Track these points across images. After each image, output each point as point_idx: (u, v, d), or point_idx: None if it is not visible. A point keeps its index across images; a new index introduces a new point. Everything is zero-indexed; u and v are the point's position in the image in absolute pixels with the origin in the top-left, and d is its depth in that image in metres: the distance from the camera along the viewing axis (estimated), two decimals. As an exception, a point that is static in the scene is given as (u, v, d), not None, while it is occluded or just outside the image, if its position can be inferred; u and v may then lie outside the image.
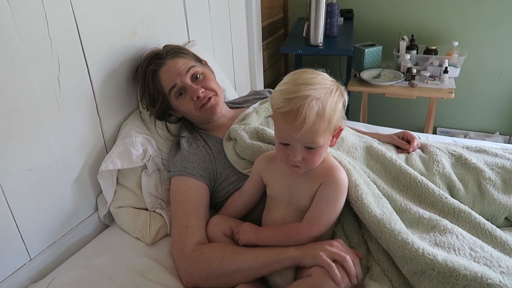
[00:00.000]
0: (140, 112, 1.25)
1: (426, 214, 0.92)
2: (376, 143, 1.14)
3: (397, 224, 0.85)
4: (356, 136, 1.19)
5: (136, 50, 1.21)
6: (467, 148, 1.19)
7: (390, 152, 1.10)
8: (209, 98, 1.16)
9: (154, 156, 1.16)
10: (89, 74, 1.07)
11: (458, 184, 1.04)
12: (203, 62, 1.26)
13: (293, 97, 0.77)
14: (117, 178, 1.16)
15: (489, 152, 1.15)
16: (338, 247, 0.84)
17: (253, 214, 1.06)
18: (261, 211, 1.02)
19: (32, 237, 1.00)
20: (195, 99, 1.14)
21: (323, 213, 0.88)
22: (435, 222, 0.89)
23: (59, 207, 1.06)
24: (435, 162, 1.09)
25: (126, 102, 1.23)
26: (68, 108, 1.02)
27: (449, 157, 1.12)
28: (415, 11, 2.45)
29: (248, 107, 1.29)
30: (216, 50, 1.65)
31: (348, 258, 0.81)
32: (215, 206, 1.10)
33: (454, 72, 2.22)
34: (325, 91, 0.80)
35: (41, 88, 0.94)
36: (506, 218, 1.00)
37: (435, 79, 2.21)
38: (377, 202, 0.90)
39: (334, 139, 0.87)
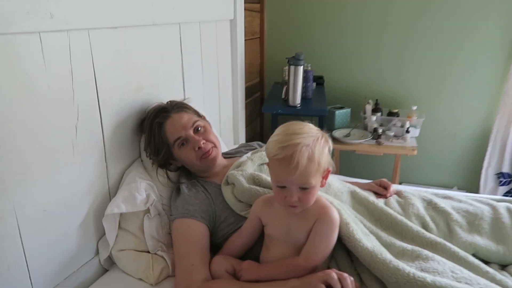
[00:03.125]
0: (142, 160, 1.34)
1: (409, 247, 1.04)
2: (358, 189, 1.29)
3: (387, 255, 0.97)
4: (340, 183, 1.33)
5: (141, 104, 1.34)
6: (436, 194, 1.35)
7: (371, 197, 1.25)
8: (210, 151, 1.27)
9: (156, 201, 1.24)
10: (101, 124, 1.17)
11: (431, 224, 1.18)
12: (202, 116, 1.39)
13: (286, 145, 0.89)
14: (119, 223, 1.21)
15: (454, 198, 1.32)
16: (333, 273, 0.93)
17: (251, 253, 1.13)
18: (259, 251, 1.11)
19: (38, 278, 1.02)
20: (197, 149, 1.26)
21: (318, 247, 0.98)
22: (418, 252, 1.01)
23: (64, 249, 1.09)
24: (410, 205, 1.24)
25: (130, 151, 1.32)
26: (82, 154, 1.10)
27: (421, 202, 1.28)
28: (379, 78, 2.77)
29: (240, 157, 1.42)
30: (206, 107, 1.80)
31: (345, 275, 0.91)
32: (214, 247, 1.17)
33: (414, 132, 2.48)
34: (312, 138, 0.93)
35: (60, 134, 1.03)
36: (473, 255, 1.14)
37: (398, 138, 2.46)
38: (366, 238, 1.02)
39: (324, 180, 1.00)
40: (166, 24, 1.44)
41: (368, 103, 2.58)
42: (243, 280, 1.01)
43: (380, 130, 2.44)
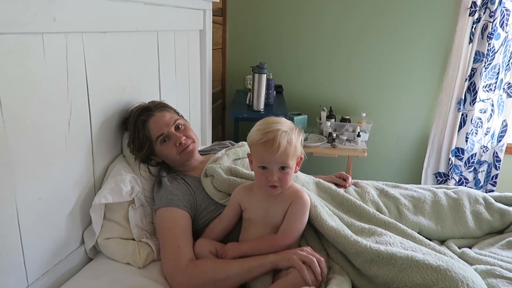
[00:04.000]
0: (125, 156, 1.43)
1: (366, 226, 1.23)
2: (322, 180, 1.47)
3: (348, 231, 1.15)
4: (306, 175, 1.50)
5: (124, 104, 1.43)
6: (386, 184, 1.57)
7: (334, 186, 1.43)
8: (189, 145, 1.40)
9: (140, 192, 1.33)
10: (90, 121, 1.25)
11: (384, 208, 1.39)
12: (181, 116, 1.51)
13: (268, 131, 1.06)
14: (104, 214, 1.30)
15: (401, 187, 1.55)
16: (307, 251, 1.10)
17: (231, 237, 1.27)
18: (237, 235, 1.24)
19: (32, 264, 1.08)
20: (178, 145, 1.37)
21: (294, 225, 1.14)
22: (373, 230, 1.20)
23: (55, 236, 1.16)
24: (366, 193, 1.43)
25: (113, 147, 1.41)
26: (73, 148, 1.18)
27: (375, 190, 1.48)
28: (332, 88, 3.02)
29: (215, 153, 1.55)
30: (178, 109, 1.91)
31: (315, 260, 1.07)
32: (195, 233, 1.29)
33: (364, 136, 2.74)
34: (289, 127, 1.11)
35: (56, 128, 1.10)
36: (418, 232, 1.36)
37: (350, 142, 2.70)
38: (331, 218, 1.20)
39: (297, 167, 1.17)
40: (147, 31, 1.55)
41: (323, 110, 2.82)
42: (227, 258, 1.14)
43: (334, 135, 2.67)
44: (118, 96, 1.40)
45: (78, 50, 1.16)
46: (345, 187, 1.51)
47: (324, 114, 2.80)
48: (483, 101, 2.68)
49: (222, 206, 1.29)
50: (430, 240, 1.29)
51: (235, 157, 1.50)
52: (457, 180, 2.82)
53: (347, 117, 2.82)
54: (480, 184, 2.82)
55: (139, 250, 1.24)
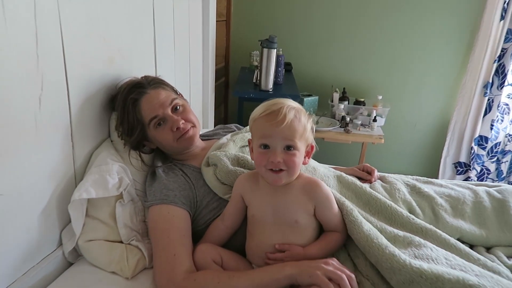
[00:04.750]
0: (112, 141, 1.21)
1: (400, 233, 1.02)
2: (344, 174, 1.25)
3: (383, 239, 0.94)
4: (324, 167, 1.29)
5: (112, 78, 1.20)
6: (417, 180, 1.35)
7: (359, 181, 1.21)
8: (189, 130, 1.18)
9: (129, 185, 1.12)
10: (68, 97, 1.03)
11: (418, 210, 1.17)
12: (180, 94, 1.28)
13: (274, 103, 0.91)
14: (86, 210, 1.08)
15: (435, 183, 1.33)
16: (333, 265, 0.89)
17: (236, 240, 1.06)
18: (243, 238, 1.04)
19: (-7, 274, 0.87)
20: (175, 129, 1.15)
21: (336, 215, 0.98)
22: (410, 239, 0.99)
23: (23, 240, 0.95)
24: (396, 190, 1.22)
25: (98, 130, 1.18)
26: (46, 131, 0.96)
27: (405, 187, 1.27)
28: (346, 68, 2.78)
29: (218, 139, 1.33)
30: (177, 86, 1.68)
31: (344, 276, 0.86)
32: (195, 234, 1.08)
33: (380, 121, 2.52)
34: (299, 106, 0.94)
35: (22, 106, 0.88)
36: (457, 239, 1.15)
37: (365, 127, 2.48)
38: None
39: (307, 157, 0.96)
40: (140, -9, 1.30)
41: (335, 91, 2.58)
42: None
43: (347, 119, 2.45)
44: (104, 69, 1.17)
45: (50, 8, 0.92)
46: (370, 182, 1.29)
47: (336, 96, 2.57)
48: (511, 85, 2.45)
49: (226, 202, 1.08)
50: (472, 247, 1.09)
51: (243, 143, 1.28)
52: (478, 171, 2.61)
53: (362, 99, 2.60)
54: (503, 176, 2.62)
55: (127, 256, 1.03)
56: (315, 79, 2.84)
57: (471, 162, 2.57)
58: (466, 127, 2.55)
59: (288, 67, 2.69)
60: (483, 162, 2.61)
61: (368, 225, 0.98)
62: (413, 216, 1.08)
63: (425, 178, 1.37)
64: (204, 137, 1.40)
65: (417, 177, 1.38)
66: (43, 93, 0.93)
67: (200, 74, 1.96)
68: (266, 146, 0.90)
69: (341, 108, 2.53)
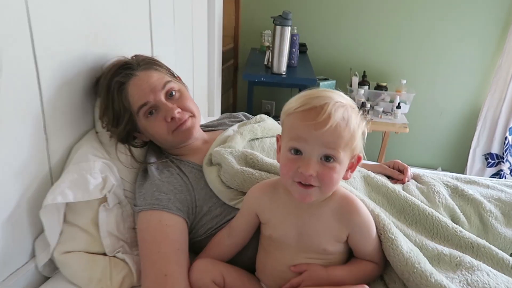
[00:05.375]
0: (97, 133, 1.03)
1: (445, 250, 0.82)
2: (372, 173, 1.05)
3: (427, 264, 0.75)
4: (348, 165, 1.08)
5: (95, 58, 1.01)
6: (457, 179, 1.14)
7: (390, 183, 1.01)
8: (186, 121, 0.99)
9: (115, 186, 0.94)
10: (38, 81, 0.84)
11: (462, 217, 0.97)
12: (177, 78, 1.09)
13: (317, 96, 0.68)
14: (64, 215, 0.91)
15: (480, 183, 1.12)
16: None
17: (245, 255, 0.88)
18: (252, 251, 0.85)
19: None
20: (169, 120, 0.96)
21: (377, 246, 0.79)
22: (459, 259, 0.80)
23: (-16, 254, 0.78)
24: (435, 193, 1.01)
25: (80, 120, 1.00)
26: (9, 121, 0.78)
27: (445, 188, 1.06)
28: (366, 49, 2.54)
29: (224, 130, 1.13)
30: (177, 70, 1.49)
31: None
32: (193, 245, 0.91)
33: (404, 108, 2.29)
34: (350, 103, 0.71)
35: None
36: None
37: (387, 114, 2.26)
38: (401, 237, 0.79)
39: (350, 171, 0.75)
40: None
41: (354, 75, 2.36)
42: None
43: (368, 105, 2.23)
44: (86, 47, 0.98)
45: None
46: (403, 182, 1.09)
47: (356, 80, 2.34)
48: (554, 68, 2.19)
49: (232, 209, 0.90)
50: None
51: (252, 136, 1.08)
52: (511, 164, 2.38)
53: (384, 84, 2.37)
54: (538, 169, 2.38)
55: (111, 272, 0.86)
56: (332, 62, 2.60)
57: (505, 154, 2.33)
58: (500, 114, 2.31)
59: (303, 48, 2.47)
60: (518, 153, 2.37)
61: (408, 245, 0.78)
62: (460, 228, 0.88)
63: (467, 176, 1.16)
64: (208, 127, 1.21)
65: (457, 175, 1.17)
66: (2, 75, 0.74)
67: (205, 56, 1.75)
68: (297, 152, 0.69)
69: (361, 93, 2.30)
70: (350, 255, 0.81)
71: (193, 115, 1.01)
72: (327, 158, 0.68)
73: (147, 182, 0.94)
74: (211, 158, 0.97)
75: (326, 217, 0.75)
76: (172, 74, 1.06)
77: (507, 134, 2.30)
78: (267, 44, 2.39)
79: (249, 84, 2.07)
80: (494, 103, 2.34)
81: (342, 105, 0.67)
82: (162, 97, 0.96)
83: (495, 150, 2.38)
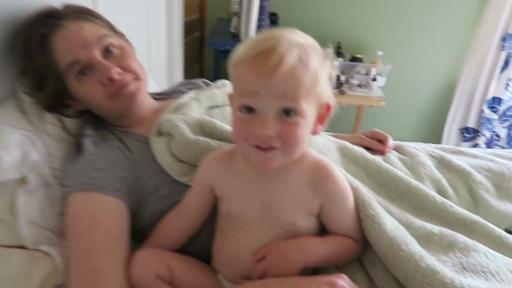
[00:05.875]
0: (21, 100, 0.84)
1: (435, 228, 0.70)
2: (349, 144, 0.91)
3: (415, 246, 0.62)
4: (322, 136, 0.95)
5: (14, 7, 0.82)
6: (442, 149, 1.03)
7: (369, 154, 0.88)
8: (127, 83, 0.82)
9: (39, 164, 0.76)
10: None
11: (450, 191, 0.86)
12: (120, 33, 0.91)
13: (266, 38, 0.55)
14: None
15: (467, 153, 1.01)
16: (341, 285, 0.58)
17: (198, 242, 0.74)
18: (209, 238, 0.71)
19: None
20: (107, 82, 0.79)
21: (352, 218, 0.66)
22: (451, 238, 0.68)
23: None
24: (420, 164, 0.89)
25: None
26: None
27: (430, 159, 0.94)
28: (340, 19, 2.41)
29: (179, 98, 0.97)
30: (130, 35, 1.30)
31: None
32: (138, 233, 0.75)
33: (381, 81, 2.18)
34: (309, 43, 0.58)
35: None
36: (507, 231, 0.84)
37: (363, 88, 2.14)
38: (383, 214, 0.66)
39: (320, 124, 0.62)
40: None
41: (328, 46, 2.22)
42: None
43: (343, 78, 2.11)
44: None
45: None
46: (383, 153, 0.97)
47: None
48: (533, 37, 2.11)
49: (184, 187, 0.75)
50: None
51: (212, 103, 0.93)
52: (488, 137, 2.31)
53: (359, 56, 2.24)
54: (514, 142, 2.34)
55: (31, 269, 0.69)
56: (305, 32, 2.45)
57: (481, 128, 2.27)
58: (477, 87, 2.23)
59: (273, 17, 2.31)
60: (493, 127, 2.31)
61: (392, 223, 0.66)
62: (450, 203, 0.76)
63: (453, 147, 1.05)
64: (160, 95, 1.04)
65: (442, 145, 1.06)
66: None
67: (163, 24, 1.56)
68: (250, 110, 0.55)
69: (335, 65, 2.17)
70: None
71: (137, 78, 0.84)
72: (287, 112, 0.54)
73: (80, 158, 0.77)
74: (160, 127, 0.81)
75: (295, 184, 0.62)
76: (112, 29, 0.88)
77: (484, 107, 2.24)
78: (235, 10, 2.21)
79: (216, 57, 1.90)
80: (472, 75, 2.26)
81: (297, 45, 0.54)
82: (97, 53, 0.79)
83: (471, 124, 2.31)
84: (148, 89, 0.96)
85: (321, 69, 0.56)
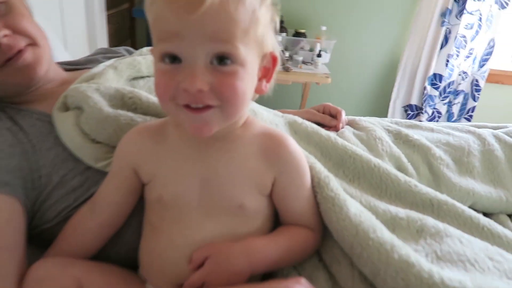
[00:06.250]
0: None
1: (401, 212, 0.61)
2: (299, 119, 0.80)
3: (384, 233, 0.52)
4: (269, 111, 0.82)
5: None
6: (397, 123, 0.95)
7: (323, 130, 0.77)
8: (20, 50, 0.63)
9: None
10: None
11: (410, 168, 0.77)
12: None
13: None
14: None
15: (423, 127, 0.93)
16: None
17: (121, 243, 0.59)
18: (135, 237, 0.57)
19: None
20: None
21: (309, 199, 0.56)
22: (420, 223, 0.59)
23: None
24: (377, 140, 0.80)
25: None
26: None
27: (387, 134, 0.86)
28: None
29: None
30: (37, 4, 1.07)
31: None
32: (39, 238, 0.59)
33: (325, 57, 2.10)
34: None
35: None
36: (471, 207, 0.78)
37: (307, 64, 2.05)
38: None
39: (265, 80, 0.51)
40: None
41: (271, 20, 2.09)
42: None
43: (287, 54, 1.99)
44: None
45: None
46: (337, 129, 0.87)
47: (273, 27, 2.07)
48: (470, 13, 2.12)
49: (101, 175, 0.59)
50: (488, 216, 0.73)
51: (134, 73, 0.76)
52: (430, 114, 2.34)
53: (303, 30, 2.13)
54: (454, 119, 2.39)
55: None
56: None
57: (423, 104, 2.28)
58: (419, 64, 2.23)
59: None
60: (435, 104, 2.33)
61: (356, 206, 0.55)
62: (415, 182, 0.68)
63: (408, 120, 0.98)
64: (72, 65, 0.85)
65: (396, 119, 0.98)
66: None
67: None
68: (174, 59, 0.43)
69: (278, 41, 2.05)
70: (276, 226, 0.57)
71: (34, 43, 0.66)
72: (221, 59, 0.42)
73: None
74: (66, 99, 0.64)
75: (242, 154, 0.50)
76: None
77: (426, 84, 2.24)
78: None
79: (147, 27, 1.69)
80: (413, 53, 2.24)
81: None
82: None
83: (414, 101, 2.32)
84: (53, 57, 0.77)
85: (260, 6, 0.44)
